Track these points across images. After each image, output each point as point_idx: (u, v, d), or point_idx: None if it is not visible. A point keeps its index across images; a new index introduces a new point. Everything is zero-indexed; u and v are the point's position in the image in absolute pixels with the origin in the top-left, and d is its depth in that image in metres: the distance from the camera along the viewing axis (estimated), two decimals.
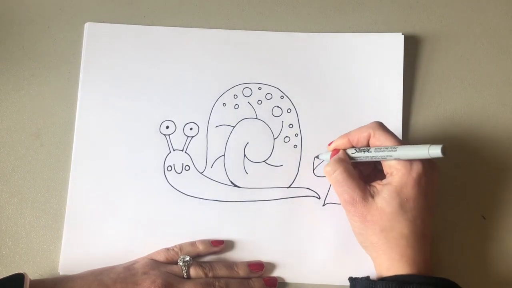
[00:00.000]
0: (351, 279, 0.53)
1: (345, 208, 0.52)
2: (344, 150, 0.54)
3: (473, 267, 0.58)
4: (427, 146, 0.47)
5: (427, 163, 0.51)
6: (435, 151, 0.46)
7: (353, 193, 0.51)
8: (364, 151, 0.52)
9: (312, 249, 0.58)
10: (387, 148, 0.50)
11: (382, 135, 0.52)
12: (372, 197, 0.51)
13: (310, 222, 0.58)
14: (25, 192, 0.59)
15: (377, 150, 0.51)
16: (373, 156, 0.52)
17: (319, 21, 0.64)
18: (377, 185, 0.52)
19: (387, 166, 0.52)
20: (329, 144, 0.56)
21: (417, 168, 0.50)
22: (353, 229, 0.53)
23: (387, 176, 0.52)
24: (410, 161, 0.50)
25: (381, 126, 0.53)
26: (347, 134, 0.54)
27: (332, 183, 0.53)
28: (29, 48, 0.63)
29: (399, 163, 0.50)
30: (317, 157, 0.59)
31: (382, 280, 0.50)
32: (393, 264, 0.50)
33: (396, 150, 0.50)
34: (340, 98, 0.61)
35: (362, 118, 0.60)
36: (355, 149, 0.54)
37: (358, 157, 0.53)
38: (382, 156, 0.51)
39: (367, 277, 0.52)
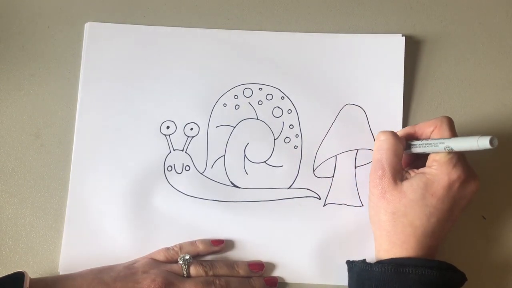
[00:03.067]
0: (348, 262, 0.54)
1: (371, 177, 0.53)
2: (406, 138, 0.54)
3: (473, 267, 0.58)
4: (476, 137, 0.46)
5: (468, 174, 0.51)
6: (483, 142, 0.45)
7: (386, 166, 0.52)
8: (419, 145, 0.53)
9: (312, 249, 0.58)
10: (438, 140, 0.50)
11: (446, 129, 0.51)
12: (401, 180, 0.51)
13: (310, 223, 0.58)
14: (25, 192, 0.59)
15: (430, 140, 0.51)
16: (422, 144, 0.52)
17: (319, 21, 0.64)
18: (412, 172, 0.52)
19: (430, 160, 0.52)
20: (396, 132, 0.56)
21: (456, 171, 0.50)
22: (369, 200, 0.54)
23: (426, 167, 0.52)
24: (454, 163, 0.50)
25: (449, 121, 0.52)
26: (414, 126, 0.54)
27: (375, 148, 0.53)
28: (29, 48, 0.63)
29: (443, 161, 0.50)
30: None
31: (379, 262, 0.51)
32: (392, 247, 0.51)
33: (445, 141, 0.49)
34: (341, 99, 0.61)
35: (363, 118, 0.60)
36: (414, 139, 0.54)
37: (413, 145, 0.53)
38: (431, 143, 0.51)
39: (363, 260, 0.53)
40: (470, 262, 0.58)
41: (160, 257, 0.56)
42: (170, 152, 0.60)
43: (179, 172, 0.59)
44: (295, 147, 0.60)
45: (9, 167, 0.60)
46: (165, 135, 0.60)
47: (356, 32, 0.63)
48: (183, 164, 0.59)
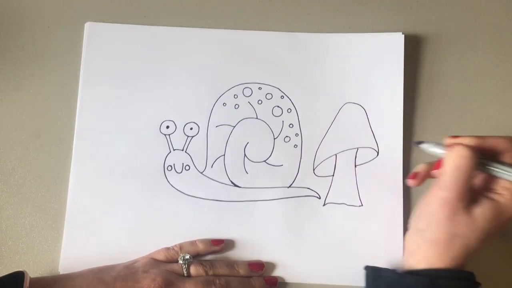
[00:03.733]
0: (371, 269, 0.52)
1: (441, 195, 0.48)
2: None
3: (473, 267, 0.58)
4: None
5: None
6: None
7: (465, 190, 0.47)
8: (496, 166, 0.49)
9: (312, 249, 0.58)
10: None
11: None
12: (470, 203, 0.48)
13: (310, 222, 0.58)
14: (25, 192, 0.59)
15: (508, 169, 0.48)
16: (499, 170, 0.48)
17: (319, 21, 0.64)
18: (480, 195, 0.49)
19: (501, 186, 0.49)
20: (455, 137, 0.51)
21: None
22: (424, 214, 0.50)
23: (494, 192, 0.49)
24: None
25: None
26: (484, 138, 0.49)
27: (456, 166, 0.48)
28: (29, 48, 0.63)
29: None
30: (420, 143, 0.53)
31: (412, 273, 0.49)
32: (434, 259, 0.49)
33: None
34: (340, 98, 0.61)
35: (363, 117, 0.60)
36: (496, 163, 0.49)
37: (488, 168, 0.49)
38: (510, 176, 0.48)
39: (394, 270, 0.50)
40: (468, 263, 0.58)
41: (160, 256, 0.56)
42: (170, 151, 0.60)
43: (179, 171, 0.59)
44: (295, 146, 0.60)
45: (9, 167, 0.60)
46: (165, 134, 0.60)
47: (356, 32, 0.63)
48: (183, 163, 0.59)
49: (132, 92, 0.61)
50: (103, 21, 0.63)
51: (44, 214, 0.59)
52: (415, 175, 0.52)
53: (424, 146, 0.52)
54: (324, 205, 0.59)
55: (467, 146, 0.48)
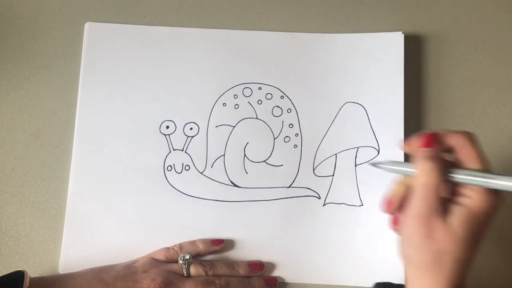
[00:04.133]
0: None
1: (413, 216, 0.46)
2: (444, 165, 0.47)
3: (474, 267, 0.58)
4: None
5: (498, 197, 0.46)
6: None
7: (436, 205, 0.45)
8: (463, 173, 0.46)
9: (312, 249, 0.58)
10: (488, 175, 0.45)
11: (472, 152, 0.46)
12: (447, 215, 0.46)
13: (310, 222, 0.58)
14: (25, 192, 0.59)
15: (475, 175, 0.45)
16: (466, 178, 0.46)
17: (319, 21, 0.64)
18: (451, 203, 0.46)
19: (467, 188, 0.47)
20: (415, 137, 0.48)
21: (497, 198, 0.45)
22: (406, 240, 0.47)
23: (463, 197, 0.47)
24: (495, 191, 0.45)
25: (474, 140, 0.47)
26: (438, 134, 0.47)
27: (420, 184, 0.46)
28: (29, 48, 0.63)
29: (484, 191, 0.45)
30: (374, 165, 0.50)
31: None
32: (433, 283, 0.46)
33: (495, 181, 0.44)
34: (340, 97, 0.61)
35: (363, 117, 0.60)
36: (453, 167, 0.47)
37: (454, 176, 0.46)
38: (478, 180, 0.45)
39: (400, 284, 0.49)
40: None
41: (160, 256, 0.56)
42: (170, 151, 0.60)
43: (179, 171, 0.59)
44: (295, 146, 0.60)
45: (9, 167, 0.60)
46: (164, 135, 0.60)
47: (356, 32, 0.63)
48: (183, 163, 0.59)
49: (132, 92, 0.61)
50: (103, 21, 0.63)
51: (44, 214, 0.59)
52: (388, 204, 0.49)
53: (383, 167, 0.50)
54: (324, 205, 0.59)
55: (435, 161, 0.46)
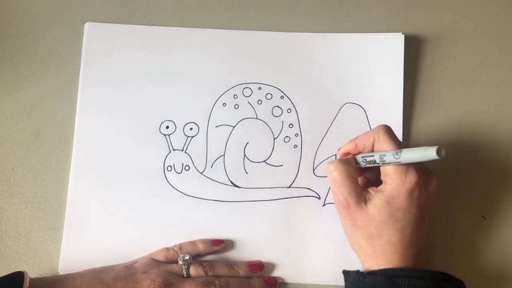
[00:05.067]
0: (344, 272, 0.54)
1: (338, 209, 0.53)
2: (353, 155, 0.54)
3: (474, 267, 0.58)
4: (423, 148, 0.45)
5: (424, 175, 0.50)
6: (430, 152, 0.44)
7: (348, 196, 0.51)
8: (365, 156, 0.52)
9: (312, 249, 0.58)
10: (384, 154, 0.49)
11: (385, 140, 0.51)
12: (365, 202, 0.51)
13: (310, 222, 0.58)
14: (25, 192, 0.59)
15: (376, 154, 0.51)
16: (370, 161, 0.51)
17: (319, 21, 0.64)
18: (372, 191, 0.52)
19: (383, 174, 0.51)
20: (339, 150, 0.56)
21: (410, 179, 0.49)
22: (344, 231, 0.54)
23: (382, 184, 0.52)
24: (405, 171, 0.49)
25: (386, 130, 0.51)
26: (354, 139, 0.54)
27: (330, 182, 0.53)
28: (29, 48, 0.63)
29: (394, 173, 0.50)
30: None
31: (371, 273, 0.51)
32: (380, 268, 0.51)
33: (392, 154, 0.48)
34: (340, 98, 0.61)
35: (363, 117, 0.60)
36: (360, 155, 0.53)
37: (360, 161, 0.53)
38: (379, 160, 0.50)
39: (357, 270, 0.52)
40: (470, 262, 0.58)
41: (160, 257, 0.56)
42: (170, 152, 0.60)
43: (179, 172, 0.59)
44: (295, 146, 0.60)
45: (9, 167, 0.60)
46: (164, 135, 0.60)
47: (356, 32, 0.63)
48: (182, 164, 0.59)
49: (132, 92, 0.61)
50: (103, 21, 0.63)
51: (44, 214, 0.59)
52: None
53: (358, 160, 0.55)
54: (324, 205, 0.59)
55: (336, 161, 0.53)
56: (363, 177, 0.56)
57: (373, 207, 0.50)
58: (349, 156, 0.54)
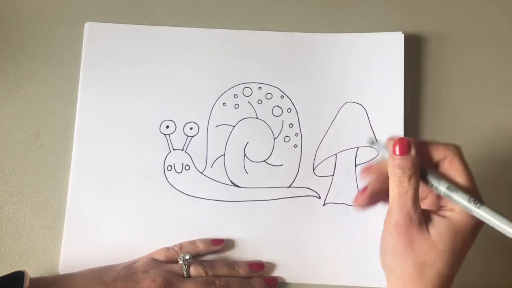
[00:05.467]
0: None
1: (393, 225, 0.45)
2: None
3: (473, 267, 0.58)
4: (508, 222, 0.42)
5: None
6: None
7: (414, 214, 0.44)
8: (440, 183, 0.45)
9: (312, 249, 0.58)
10: (472, 200, 0.43)
11: (460, 164, 0.45)
12: (426, 226, 0.44)
13: (310, 222, 0.58)
14: (25, 192, 0.59)
15: (458, 192, 0.44)
16: (441, 191, 0.45)
17: (319, 21, 0.64)
18: (435, 215, 0.45)
19: (447, 199, 0.45)
20: (394, 139, 0.46)
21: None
22: (387, 249, 0.46)
23: (445, 209, 0.46)
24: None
25: (462, 154, 0.45)
26: (425, 143, 0.46)
27: (396, 192, 0.44)
28: (29, 48, 0.63)
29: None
30: (372, 142, 0.48)
31: None
32: None
33: (479, 209, 0.43)
34: (340, 97, 0.61)
35: (363, 116, 0.60)
36: (431, 173, 0.45)
37: (432, 186, 0.45)
38: (456, 200, 0.44)
39: None
40: (470, 262, 0.58)
41: (160, 257, 0.56)
42: (170, 151, 0.60)
43: (179, 171, 0.59)
44: (295, 146, 0.60)
45: (9, 167, 0.60)
46: (164, 134, 0.60)
47: (356, 32, 0.63)
48: (183, 163, 0.59)
49: (132, 92, 0.61)
50: (103, 21, 0.63)
51: (44, 214, 0.59)
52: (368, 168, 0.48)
53: (376, 147, 0.48)
54: (324, 205, 0.59)
55: (405, 167, 0.44)
56: None
57: (437, 233, 0.44)
58: (417, 160, 0.45)
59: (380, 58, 0.61)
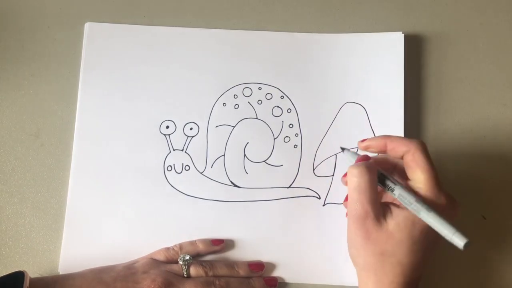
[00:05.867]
0: None
1: (352, 219, 0.49)
2: (376, 158, 0.52)
3: (474, 266, 0.58)
4: (453, 231, 0.44)
5: (450, 202, 0.48)
6: (457, 241, 0.44)
7: (368, 207, 0.47)
8: (394, 188, 0.49)
9: (312, 249, 0.58)
10: (418, 203, 0.46)
11: (421, 158, 0.48)
12: (385, 218, 0.48)
13: (310, 222, 0.58)
14: (25, 192, 0.59)
15: (405, 195, 0.48)
16: (400, 196, 0.48)
17: (319, 21, 0.64)
18: (394, 207, 0.48)
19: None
20: (362, 141, 0.52)
21: (441, 202, 0.48)
22: (350, 242, 0.50)
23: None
24: (436, 195, 0.48)
25: (424, 149, 0.49)
26: (387, 137, 0.51)
27: (351, 187, 0.49)
28: (29, 48, 0.63)
29: (424, 195, 0.48)
30: (343, 150, 0.54)
31: None
32: (380, 286, 0.49)
33: (424, 212, 0.46)
34: (340, 97, 0.61)
35: (363, 117, 0.60)
36: (388, 178, 0.50)
37: (387, 186, 0.49)
38: (406, 202, 0.47)
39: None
40: (470, 262, 0.58)
41: (160, 257, 0.56)
42: (170, 152, 0.60)
43: (179, 172, 0.59)
44: (295, 146, 0.60)
45: (9, 167, 0.60)
46: (164, 135, 0.60)
47: (356, 32, 0.63)
48: (183, 164, 0.59)
49: (132, 92, 0.61)
50: (103, 21, 0.63)
51: (44, 214, 0.59)
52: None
53: (345, 153, 0.54)
54: (324, 205, 0.59)
55: (361, 165, 0.49)
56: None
57: (395, 224, 0.47)
58: (372, 163, 0.50)
59: (380, 58, 0.61)
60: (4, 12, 0.64)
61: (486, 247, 0.58)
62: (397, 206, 0.49)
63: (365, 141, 0.52)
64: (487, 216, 0.59)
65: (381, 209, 0.48)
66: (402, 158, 0.50)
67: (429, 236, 0.48)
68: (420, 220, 0.47)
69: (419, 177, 0.48)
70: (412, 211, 0.47)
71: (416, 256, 0.48)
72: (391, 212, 0.48)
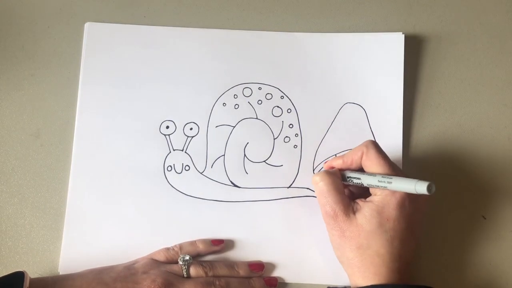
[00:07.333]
0: None
1: (326, 221, 0.53)
2: (339, 169, 0.55)
3: (474, 266, 0.58)
4: (414, 181, 0.46)
5: None
6: (421, 188, 0.46)
7: (336, 206, 0.51)
8: (351, 178, 0.53)
9: (312, 249, 0.58)
10: (375, 176, 0.50)
11: (374, 155, 0.51)
12: (354, 213, 0.51)
13: (310, 222, 0.58)
14: (25, 192, 0.59)
15: (367, 177, 0.51)
16: (357, 183, 0.52)
17: (319, 21, 0.64)
18: (360, 202, 0.52)
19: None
20: (325, 163, 0.57)
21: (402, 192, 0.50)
22: (332, 243, 0.53)
23: (372, 194, 0.52)
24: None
25: (374, 145, 0.52)
26: (341, 156, 0.54)
27: (317, 193, 0.53)
28: (29, 48, 0.63)
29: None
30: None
31: None
32: (367, 281, 0.50)
33: (379, 180, 0.50)
34: (340, 98, 0.61)
35: (363, 117, 0.60)
36: (349, 173, 0.54)
37: (350, 180, 0.53)
38: (366, 184, 0.51)
39: (345, 286, 0.53)
40: (469, 262, 0.58)
41: (160, 257, 0.56)
42: (170, 152, 0.60)
43: (179, 172, 0.59)
44: (295, 146, 0.60)
45: (9, 167, 0.60)
46: (164, 135, 0.60)
47: (356, 32, 0.63)
48: (182, 164, 0.59)
49: (132, 92, 0.61)
50: (103, 21, 0.63)
51: (44, 214, 0.59)
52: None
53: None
54: None
55: (322, 173, 0.53)
56: (347, 190, 0.56)
57: (362, 216, 0.50)
58: (335, 169, 0.55)
59: (381, 58, 0.61)
60: (4, 12, 0.64)
61: (486, 247, 0.58)
62: (364, 200, 0.52)
63: (327, 162, 0.56)
64: (487, 216, 0.59)
65: (350, 206, 0.52)
66: (360, 162, 0.53)
67: (401, 223, 0.50)
68: (385, 208, 0.50)
69: (377, 171, 0.51)
70: (383, 190, 0.50)
71: (392, 244, 0.50)
72: (358, 206, 0.51)
